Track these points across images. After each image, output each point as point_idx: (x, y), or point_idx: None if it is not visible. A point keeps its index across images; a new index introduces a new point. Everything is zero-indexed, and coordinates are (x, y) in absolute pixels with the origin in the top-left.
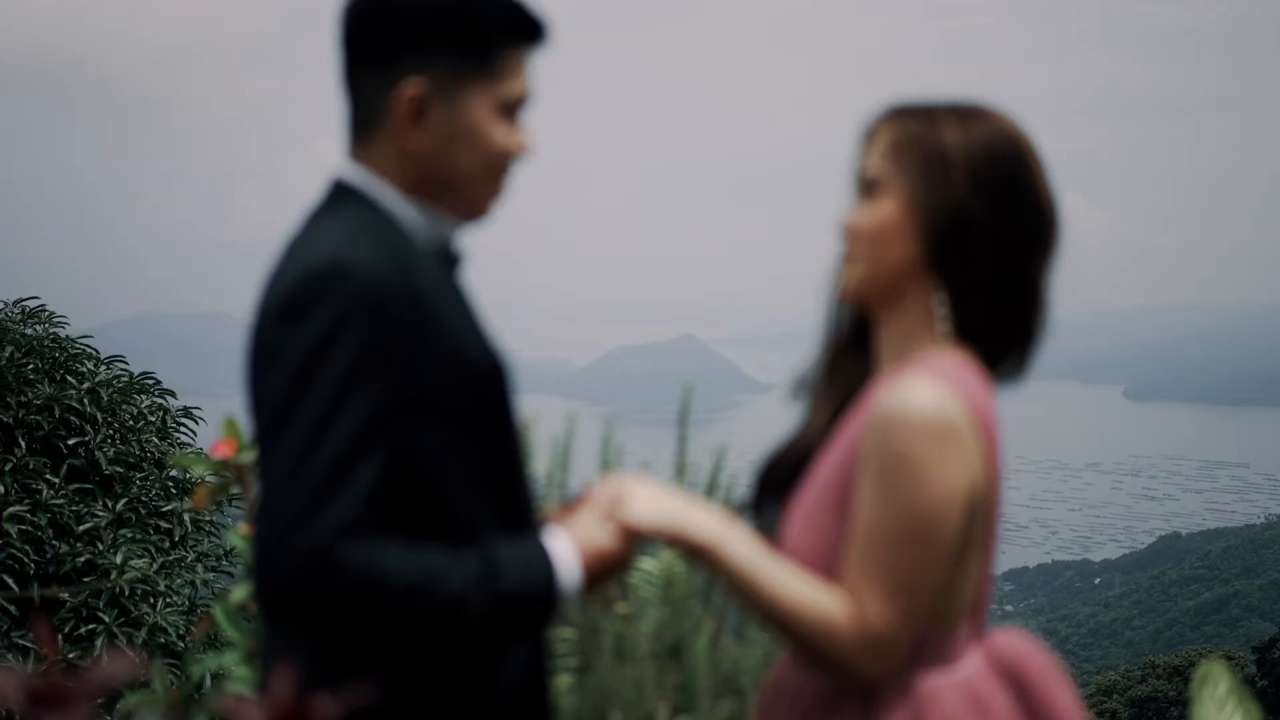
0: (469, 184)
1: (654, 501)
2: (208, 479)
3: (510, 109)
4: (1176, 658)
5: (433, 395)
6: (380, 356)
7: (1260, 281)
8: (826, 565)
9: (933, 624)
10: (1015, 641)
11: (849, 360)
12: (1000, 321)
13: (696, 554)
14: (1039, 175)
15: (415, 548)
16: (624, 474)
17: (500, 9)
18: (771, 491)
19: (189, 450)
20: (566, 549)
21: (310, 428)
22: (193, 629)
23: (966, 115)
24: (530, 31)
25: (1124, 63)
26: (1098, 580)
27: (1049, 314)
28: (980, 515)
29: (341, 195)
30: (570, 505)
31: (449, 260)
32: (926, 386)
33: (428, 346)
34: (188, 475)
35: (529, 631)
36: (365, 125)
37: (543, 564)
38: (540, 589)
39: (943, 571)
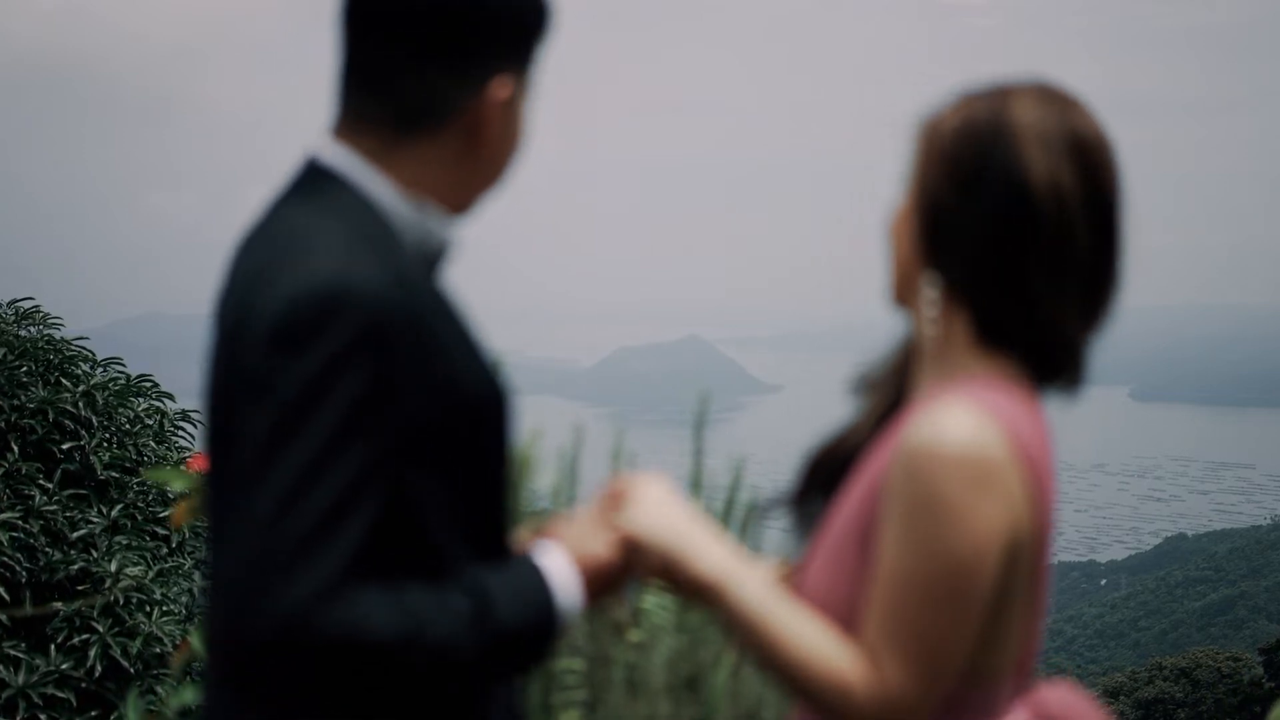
0: (494, 184)
1: (659, 513)
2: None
3: None
4: (1183, 659)
5: (428, 433)
6: (381, 398)
7: (1266, 282)
8: (847, 611)
9: (971, 683)
10: (1064, 698)
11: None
12: (1014, 326)
13: (697, 589)
14: (1027, 156)
15: (395, 590)
16: (632, 475)
17: None
18: (816, 487)
19: (186, 454)
20: (562, 565)
21: (299, 474)
22: (186, 641)
23: (979, 96)
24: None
25: (1124, 64)
26: (1104, 581)
27: (1062, 315)
28: (1025, 562)
29: (326, 182)
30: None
31: (433, 257)
32: (960, 416)
33: (428, 380)
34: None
35: (530, 664)
36: (412, 122)
37: (538, 588)
38: (539, 617)
39: (975, 629)
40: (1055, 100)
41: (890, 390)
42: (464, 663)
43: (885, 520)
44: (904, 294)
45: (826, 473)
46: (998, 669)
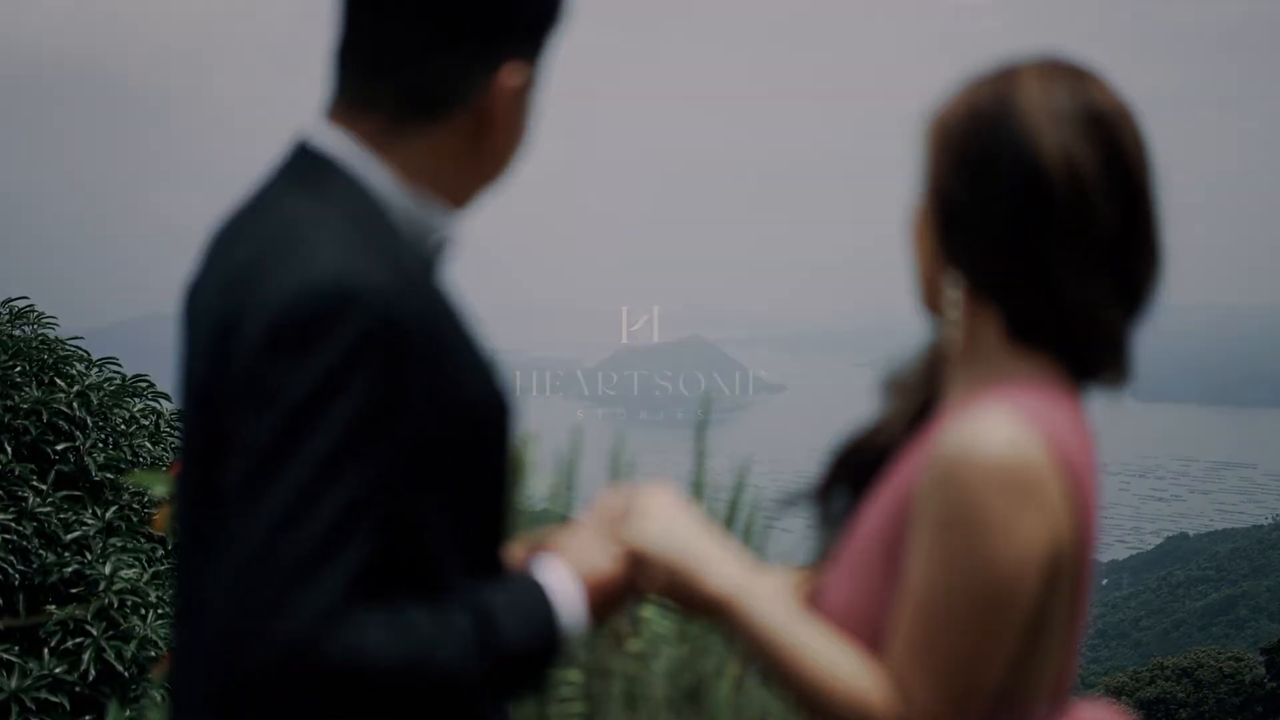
0: (497, 177)
1: (666, 526)
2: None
3: None
4: (1185, 659)
5: (431, 442)
6: (389, 406)
7: (1269, 282)
8: (870, 628)
9: (1005, 704)
10: (1103, 717)
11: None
12: (1045, 320)
13: (708, 606)
14: (1036, 134)
15: (396, 612)
16: (637, 484)
17: None
18: (843, 481)
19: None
20: (565, 581)
21: (302, 488)
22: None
23: (984, 80)
24: None
25: (1124, 64)
26: (1105, 581)
27: (1094, 303)
28: (1066, 577)
29: (321, 169)
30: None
31: (432, 253)
32: (997, 423)
33: (434, 387)
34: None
35: (533, 683)
36: (418, 108)
37: (542, 606)
38: (543, 637)
39: (1010, 649)
40: (1065, 74)
41: (920, 393)
42: (467, 686)
43: (915, 533)
44: (932, 299)
45: (853, 468)
46: (1034, 689)
